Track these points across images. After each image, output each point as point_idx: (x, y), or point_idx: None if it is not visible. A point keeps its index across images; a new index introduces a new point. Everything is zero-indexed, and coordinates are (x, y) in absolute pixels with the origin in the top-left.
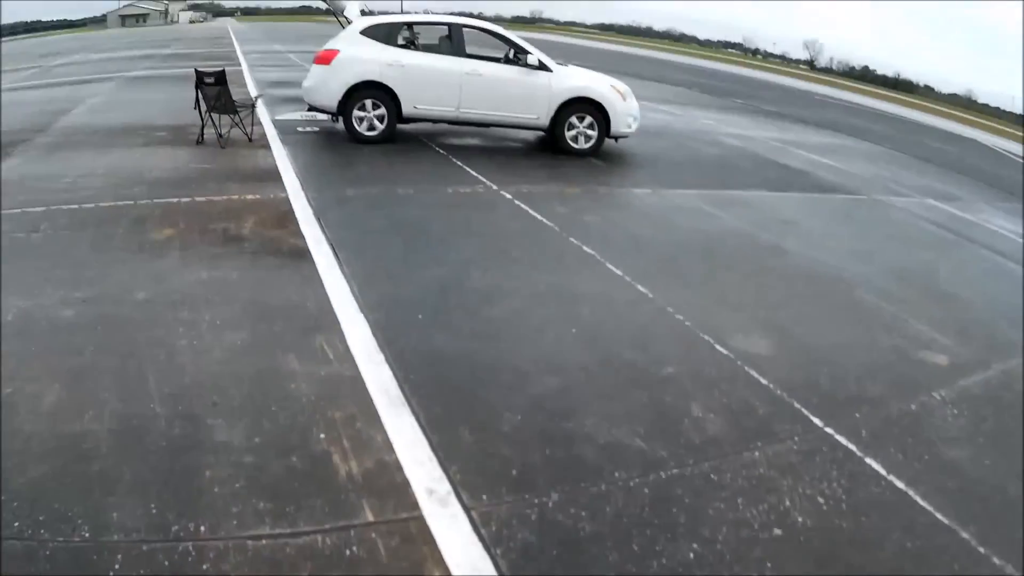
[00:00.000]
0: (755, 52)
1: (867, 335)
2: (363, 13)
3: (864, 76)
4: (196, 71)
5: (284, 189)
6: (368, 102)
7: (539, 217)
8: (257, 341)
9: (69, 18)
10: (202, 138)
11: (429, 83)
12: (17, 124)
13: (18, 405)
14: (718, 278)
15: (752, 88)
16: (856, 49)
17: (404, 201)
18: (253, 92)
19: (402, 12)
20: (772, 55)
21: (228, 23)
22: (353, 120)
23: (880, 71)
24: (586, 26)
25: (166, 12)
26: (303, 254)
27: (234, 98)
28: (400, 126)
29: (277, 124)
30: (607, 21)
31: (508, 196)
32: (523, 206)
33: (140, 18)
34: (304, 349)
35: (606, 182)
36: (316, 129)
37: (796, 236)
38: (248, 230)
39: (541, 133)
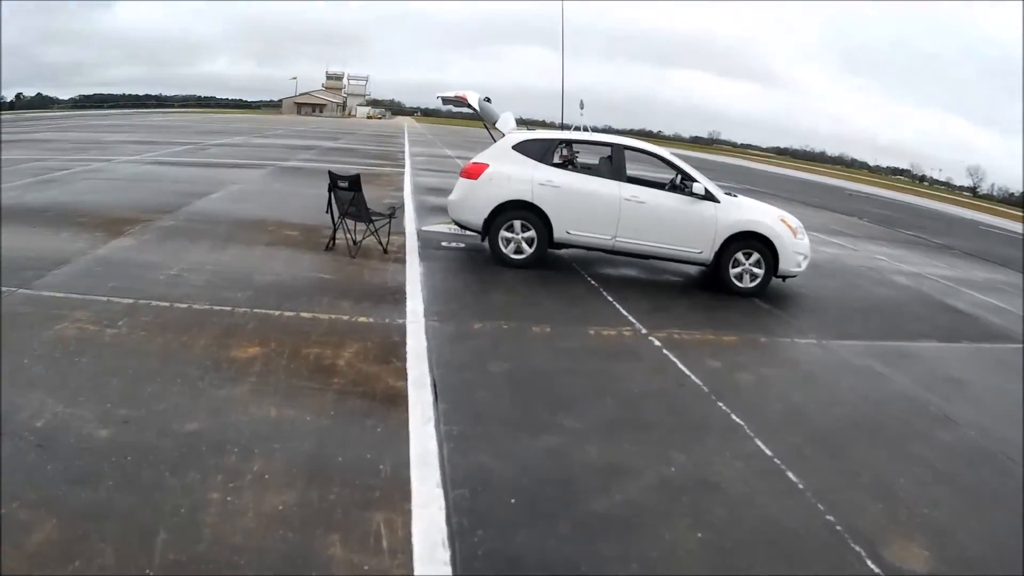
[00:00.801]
0: (921, 179)
1: None
2: (519, 125)
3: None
4: (330, 173)
5: (403, 314)
6: (517, 223)
7: (686, 372)
8: (303, 509)
9: (245, 99)
10: (332, 244)
11: (585, 207)
12: (149, 202)
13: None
14: (878, 462)
15: (919, 218)
16: (1016, 175)
17: (535, 342)
18: (408, 193)
19: (562, 128)
20: (937, 181)
21: (406, 122)
22: (499, 241)
23: None
24: (761, 149)
25: (344, 105)
26: (399, 400)
27: (371, 207)
28: (552, 251)
29: (422, 236)
30: (782, 145)
31: (656, 343)
32: (671, 356)
33: (317, 108)
34: (355, 530)
35: (768, 330)
36: (462, 245)
37: (965, 399)
38: (345, 360)
39: (703, 267)
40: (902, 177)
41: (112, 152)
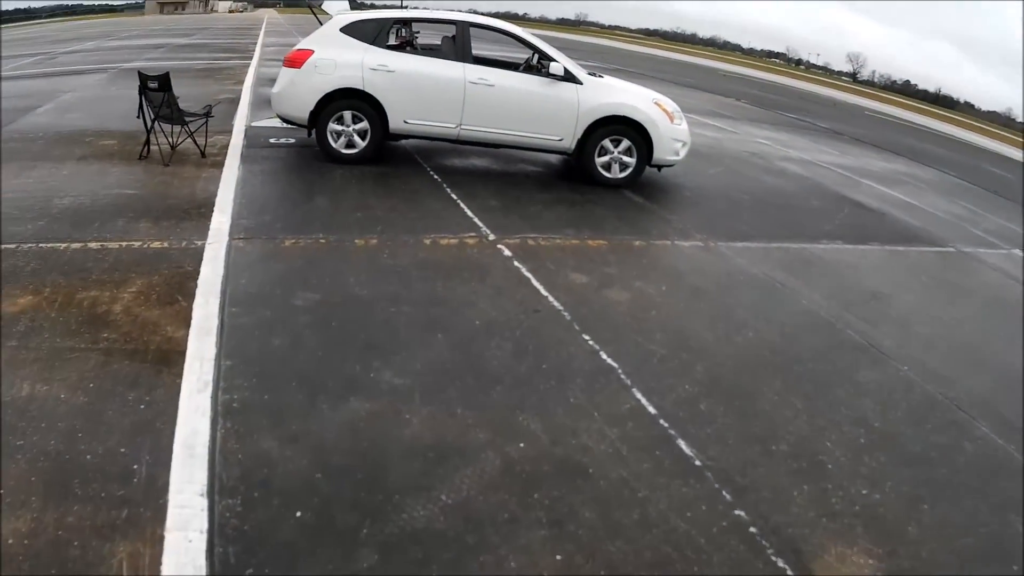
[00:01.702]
0: (798, 62)
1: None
2: (353, 6)
3: (905, 90)
4: (139, 74)
5: (206, 233)
6: (347, 114)
7: (543, 291)
8: (31, 546)
9: (111, 3)
10: (146, 152)
11: (424, 93)
12: None
13: None
14: (796, 419)
15: (800, 101)
16: (897, 62)
17: (357, 260)
18: (248, 86)
19: (401, 7)
20: (815, 66)
21: (267, 14)
22: (328, 135)
23: (921, 86)
24: (630, 31)
25: (206, 1)
26: (175, 358)
27: (183, 106)
28: (393, 144)
29: (250, 133)
30: (652, 26)
31: (506, 252)
32: (523, 271)
33: (179, 6)
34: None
35: (644, 229)
36: (292, 141)
37: (889, 321)
38: (122, 305)
39: (566, 156)
40: (777, 60)
41: None
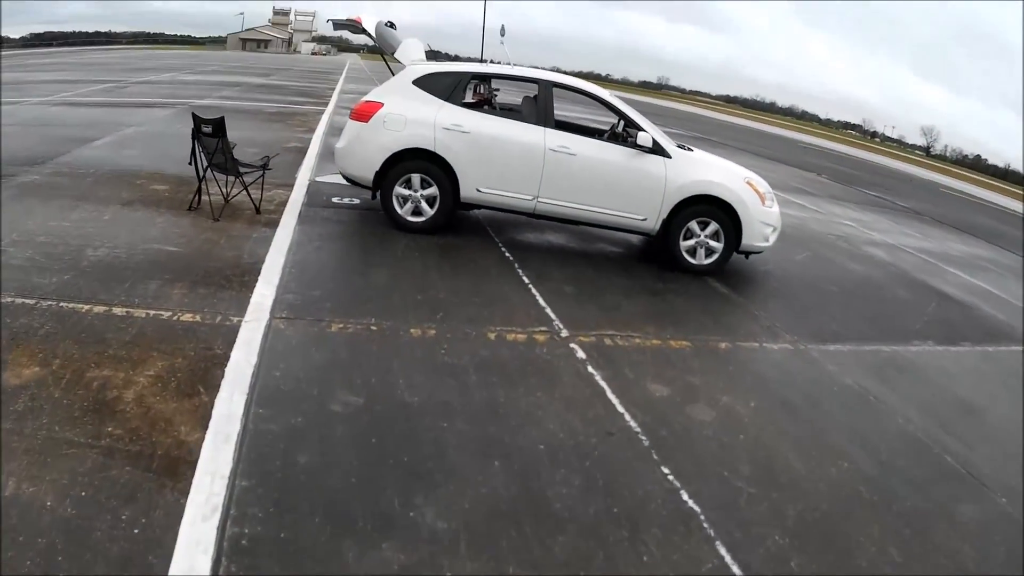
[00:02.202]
0: (873, 135)
1: None
2: (429, 57)
3: (976, 165)
4: (193, 116)
5: (245, 307)
6: (416, 178)
7: (620, 409)
8: None
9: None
10: (196, 203)
11: (500, 159)
12: (26, 151)
13: None
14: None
15: (879, 176)
16: (968, 134)
17: (411, 354)
18: (319, 136)
19: (481, 61)
20: (889, 138)
21: (350, 59)
22: (394, 199)
23: (992, 160)
24: (711, 97)
25: (290, 41)
26: (183, 469)
27: (237, 157)
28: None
29: (312, 189)
30: (732, 93)
31: (579, 354)
32: (599, 380)
33: (262, 44)
34: None
35: (730, 327)
36: (356, 202)
37: (986, 443)
38: (136, 391)
39: (648, 237)
40: (853, 132)
41: (27, 93)
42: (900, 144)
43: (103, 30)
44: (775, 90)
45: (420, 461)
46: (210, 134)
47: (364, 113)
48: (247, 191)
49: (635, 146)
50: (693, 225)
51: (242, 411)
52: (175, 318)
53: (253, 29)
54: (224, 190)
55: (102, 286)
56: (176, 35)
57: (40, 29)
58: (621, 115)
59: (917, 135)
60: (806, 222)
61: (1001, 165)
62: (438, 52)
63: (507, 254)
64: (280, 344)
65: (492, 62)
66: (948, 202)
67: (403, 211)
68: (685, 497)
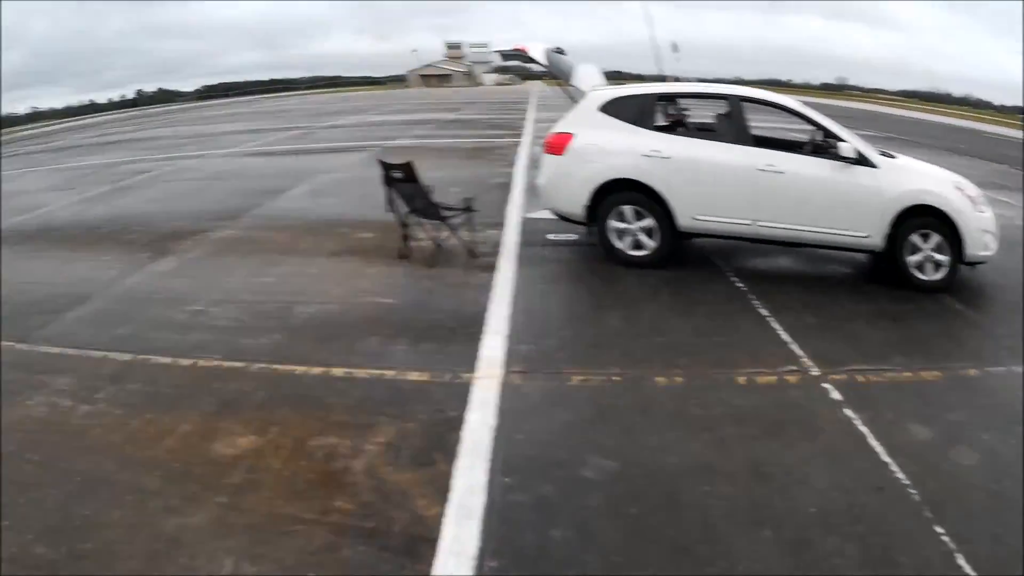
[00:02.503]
0: None
1: None
2: (608, 80)
3: None
4: (380, 162)
5: (474, 362)
6: (627, 210)
7: (885, 458)
8: None
9: (372, 75)
10: (407, 250)
11: (709, 183)
12: (216, 207)
13: None
14: None
15: None
16: None
17: (660, 407)
18: (521, 170)
19: (662, 81)
20: None
21: (535, 87)
22: (610, 234)
23: None
24: (890, 93)
25: (470, 73)
26: (420, 552)
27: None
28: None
29: (526, 227)
30: (909, 87)
31: (834, 395)
32: (858, 425)
33: (442, 79)
34: None
35: (975, 351)
36: (574, 238)
37: None
38: (366, 461)
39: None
40: None
41: (209, 146)
42: None
43: (278, 77)
44: (948, 80)
45: (685, 533)
46: (402, 179)
47: (557, 146)
48: (456, 235)
49: (838, 158)
50: (915, 239)
51: (485, 481)
52: (401, 378)
53: (431, 65)
54: (432, 235)
55: (317, 345)
56: (355, 77)
57: (212, 81)
58: (817, 125)
59: None
60: (1015, 221)
61: None
62: (619, 72)
63: (738, 284)
64: (519, 402)
65: (675, 79)
66: None
67: (623, 245)
68: (961, 562)
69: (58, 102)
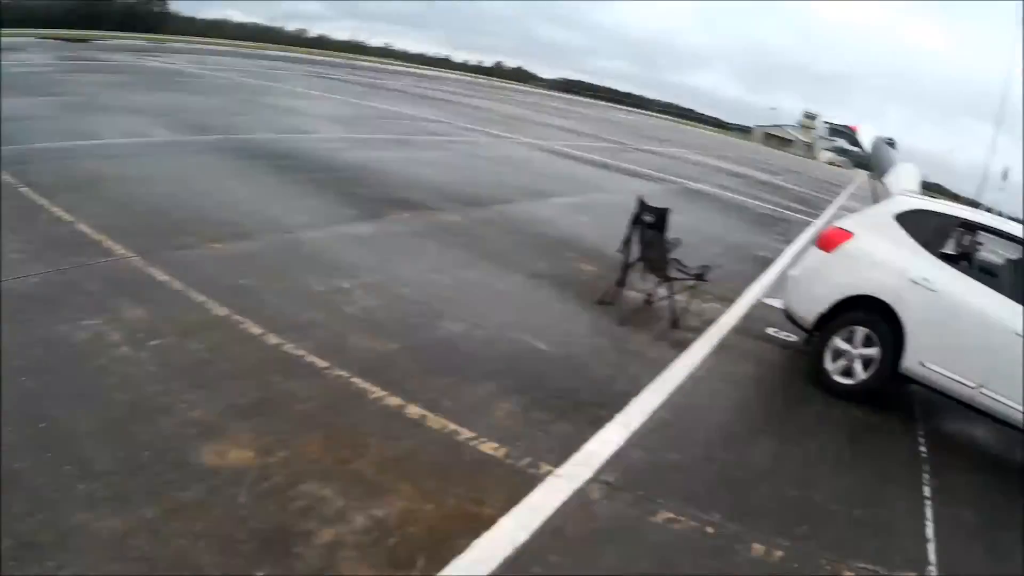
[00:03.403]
0: None
1: None
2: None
3: None
4: (639, 201)
5: (568, 454)
6: (859, 331)
7: None
8: None
9: (721, 118)
10: (612, 296)
11: (955, 330)
12: (474, 190)
13: None
14: None
15: None
16: None
17: None
18: (793, 250)
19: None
20: None
21: (861, 176)
22: (827, 351)
23: None
24: None
25: (812, 145)
26: None
27: (673, 257)
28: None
29: (754, 312)
30: None
31: None
32: None
33: (784, 142)
34: None
35: None
36: (793, 339)
37: None
38: (332, 536)
39: None
40: None
41: (527, 133)
42: None
43: (636, 92)
44: None
45: None
46: (651, 224)
47: (830, 241)
48: (671, 297)
49: None
50: None
51: None
52: (472, 443)
53: (779, 127)
54: (650, 290)
55: (423, 372)
56: (705, 115)
57: (575, 76)
58: None
59: None
60: None
61: None
62: (939, 186)
63: (922, 450)
64: (575, 523)
65: (987, 210)
66: None
67: (833, 367)
68: None
69: (415, 47)
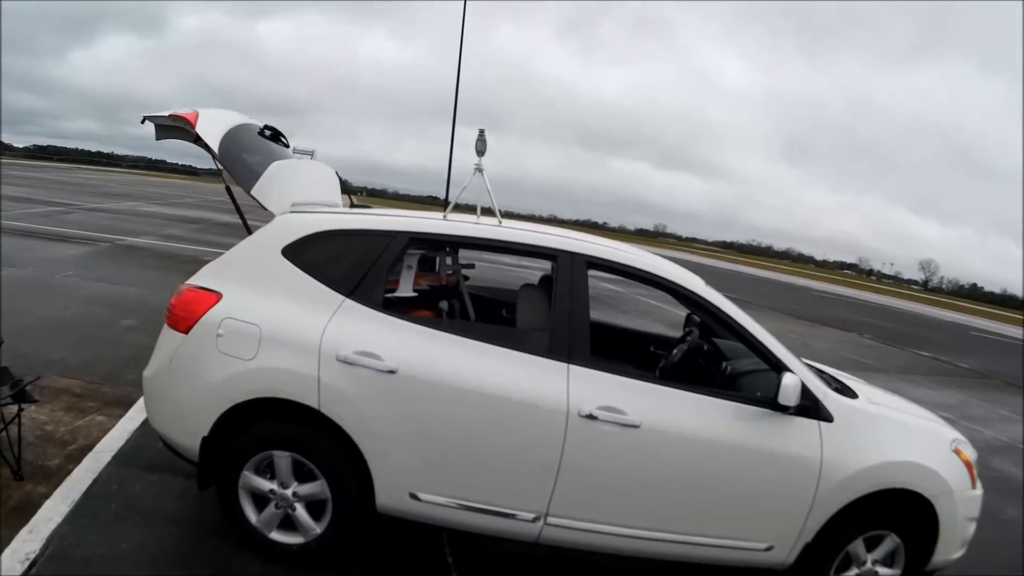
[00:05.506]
0: (869, 272)
1: None
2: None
3: (973, 294)
4: None
5: None
6: (282, 459)
7: None
8: None
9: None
10: None
11: (463, 431)
12: None
13: None
14: None
15: (906, 324)
16: (964, 266)
17: None
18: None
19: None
20: (885, 275)
21: (346, 201)
22: (241, 496)
23: (988, 288)
24: (707, 243)
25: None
26: None
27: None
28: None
29: (150, 427)
30: (728, 238)
31: None
32: None
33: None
34: None
35: None
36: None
37: None
38: None
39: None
40: (849, 272)
41: None
42: (896, 280)
43: (106, 151)
44: (769, 235)
45: None
46: None
47: (185, 312)
48: (5, 429)
49: (763, 403)
50: (857, 547)
51: None
52: None
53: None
54: None
55: None
56: (177, 164)
57: (44, 142)
58: (731, 326)
59: (915, 270)
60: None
61: (997, 291)
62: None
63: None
64: None
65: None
66: (992, 350)
67: (260, 520)
68: None
69: None
